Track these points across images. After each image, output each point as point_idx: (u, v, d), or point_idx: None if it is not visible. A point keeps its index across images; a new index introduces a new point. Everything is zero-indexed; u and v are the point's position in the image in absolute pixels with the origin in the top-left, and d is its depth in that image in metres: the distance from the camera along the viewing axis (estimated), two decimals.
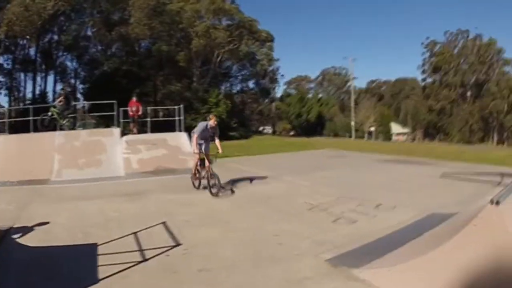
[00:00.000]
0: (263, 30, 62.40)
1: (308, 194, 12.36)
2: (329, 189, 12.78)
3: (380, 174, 17.44)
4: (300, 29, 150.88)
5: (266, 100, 70.56)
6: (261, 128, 73.33)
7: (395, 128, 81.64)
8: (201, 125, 13.44)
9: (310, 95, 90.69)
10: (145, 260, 6.48)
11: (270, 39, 64.06)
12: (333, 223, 9.18)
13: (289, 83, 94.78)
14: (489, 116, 74.81)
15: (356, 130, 68.10)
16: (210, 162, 13.32)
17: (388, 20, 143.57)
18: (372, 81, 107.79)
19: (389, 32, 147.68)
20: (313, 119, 74.18)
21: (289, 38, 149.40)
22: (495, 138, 73.83)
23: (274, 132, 74.94)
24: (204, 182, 13.42)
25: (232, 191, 12.95)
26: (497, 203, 5.26)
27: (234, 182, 14.74)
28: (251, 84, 66.04)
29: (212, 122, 13.33)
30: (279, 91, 79.58)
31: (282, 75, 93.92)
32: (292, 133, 74.21)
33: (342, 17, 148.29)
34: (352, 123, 67.41)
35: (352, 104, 72.05)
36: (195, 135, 13.19)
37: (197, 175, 13.82)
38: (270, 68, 65.99)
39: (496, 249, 4.95)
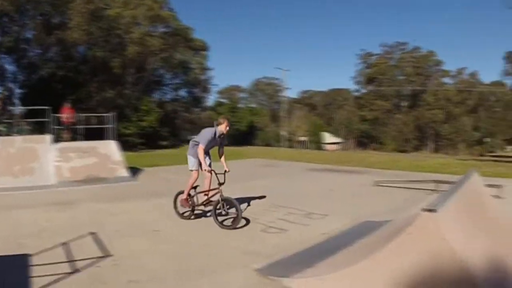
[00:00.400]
0: (197, 39, 61.99)
1: (239, 203, 12.36)
2: (258, 198, 12.77)
3: (312, 183, 17.66)
4: (235, 39, 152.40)
5: (198, 109, 69.95)
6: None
7: (328, 137, 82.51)
8: (207, 133, 10.30)
9: (242, 105, 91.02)
10: (76, 271, 6.42)
11: (204, 48, 63.62)
12: (263, 232, 9.23)
13: (221, 92, 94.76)
14: (425, 126, 76.71)
15: (289, 140, 68.47)
16: (221, 182, 10.07)
17: (322, 32, 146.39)
18: (305, 91, 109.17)
19: (323, 44, 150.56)
20: (244, 129, 74.16)
21: (223, 48, 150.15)
22: (431, 146, 75.69)
23: None
24: (196, 209, 10.77)
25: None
26: (433, 210, 5.19)
27: (161, 190, 14.77)
28: (183, 92, 65.09)
29: (223, 127, 10.37)
30: (211, 100, 79.22)
31: (216, 85, 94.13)
32: None
33: (276, 29, 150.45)
34: (284, 133, 67.71)
35: (284, 114, 72.37)
36: (201, 147, 10.10)
37: (190, 201, 10.63)
38: (203, 77, 65.47)
39: (433, 256, 4.97)
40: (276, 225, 9.72)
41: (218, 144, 10.53)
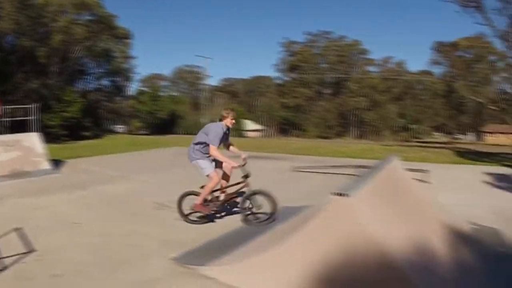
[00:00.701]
0: (121, 26, 60.58)
1: (156, 193, 12.82)
2: (177, 187, 12.78)
3: None
4: (156, 27, 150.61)
5: (121, 98, 68.61)
6: (114, 127, 71.29)
7: (249, 124, 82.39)
8: (217, 128, 9.19)
9: (163, 93, 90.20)
10: (3, 269, 6.52)
11: (127, 36, 62.38)
12: (181, 221, 9.40)
13: (143, 81, 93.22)
14: (348, 113, 77.57)
15: None
16: (246, 175, 9.47)
17: (245, 21, 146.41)
18: (226, 79, 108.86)
19: (246, 32, 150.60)
20: (166, 117, 73.60)
21: (145, 36, 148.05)
22: (354, 133, 76.68)
23: (129, 131, 73.29)
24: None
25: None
26: (344, 194, 5.14)
27: (83, 182, 14.94)
28: (106, 81, 63.51)
29: (229, 121, 9.34)
30: (133, 89, 77.95)
31: (139, 73, 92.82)
32: (144, 131, 73.33)
33: (199, 17, 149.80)
34: (205, 121, 67.47)
35: (205, 101, 72.16)
36: (213, 148, 9.01)
37: (207, 205, 9.47)
38: (126, 66, 64.16)
39: (347, 240, 5.00)
40: (195, 213, 9.62)
41: (224, 139, 9.50)
